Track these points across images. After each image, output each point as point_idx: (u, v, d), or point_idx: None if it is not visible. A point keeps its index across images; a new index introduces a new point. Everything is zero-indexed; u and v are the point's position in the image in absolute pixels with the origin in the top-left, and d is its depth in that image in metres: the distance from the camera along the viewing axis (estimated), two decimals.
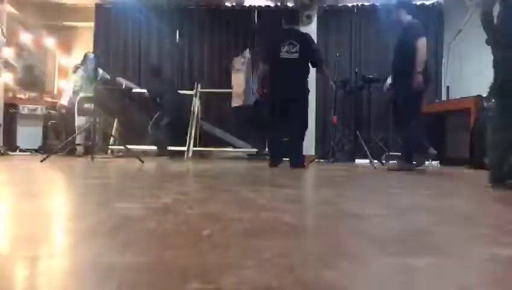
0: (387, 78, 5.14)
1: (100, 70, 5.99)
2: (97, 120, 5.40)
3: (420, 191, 2.35)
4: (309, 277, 0.63)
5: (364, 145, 5.21)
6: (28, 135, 6.90)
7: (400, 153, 4.63)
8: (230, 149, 6.85)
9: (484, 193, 2.16)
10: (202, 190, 2.04)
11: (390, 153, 6.09)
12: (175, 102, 6.10)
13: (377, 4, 7.48)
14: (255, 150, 6.49)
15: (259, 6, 7.85)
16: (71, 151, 5.84)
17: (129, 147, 5.27)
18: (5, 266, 0.68)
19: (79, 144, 5.78)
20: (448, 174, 4.14)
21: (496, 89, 2.35)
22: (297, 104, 4.25)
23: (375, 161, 5.41)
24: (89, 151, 5.30)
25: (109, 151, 6.67)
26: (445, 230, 1.10)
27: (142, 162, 4.31)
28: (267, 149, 5.07)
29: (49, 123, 6.91)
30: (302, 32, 4.56)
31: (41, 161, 4.05)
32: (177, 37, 7.86)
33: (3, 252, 0.79)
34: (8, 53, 7.13)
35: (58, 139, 6.79)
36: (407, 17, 4.25)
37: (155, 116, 5.92)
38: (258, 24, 7.53)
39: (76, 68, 6.61)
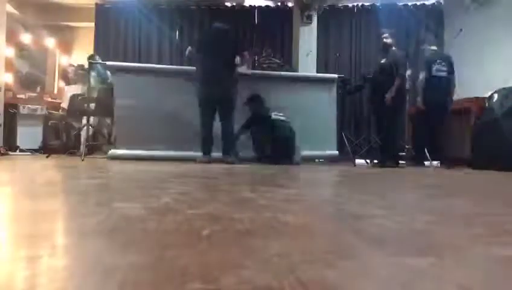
0: None
1: (108, 73, 5.98)
2: (95, 121, 5.40)
3: (420, 191, 2.35)
4: (309, 277, 0.63)
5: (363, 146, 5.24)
6: (28, 135, 6.91)
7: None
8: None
9: (484, 193, 2.16)
10: (202, 190, 2.04)
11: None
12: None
13: (377, 4, 7.49)
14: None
15: (259, 6, 7.86)
16: (73, 152, 5.86)
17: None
18: (5, 266, 0.68)
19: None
20: (449, 174, 4.14)
21: None
22: None
23: (375, 161, 5.41)
24: (89, 151, 5.32)
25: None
26: (445, 230, 1.10)
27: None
28: None
29: (49, 123, 6.92)
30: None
31: (47, 157, 4.49)
32: (177, 37, 7.87)
33: (3, 251, 0.79)
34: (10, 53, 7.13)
35: (58, 139, 6.80)
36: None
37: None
38: None
39: (82, 70, 6.60)
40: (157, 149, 4.99)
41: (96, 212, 1.26)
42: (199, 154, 4.72)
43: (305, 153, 5.18)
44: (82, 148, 5.31)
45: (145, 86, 5.10)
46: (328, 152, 5.55)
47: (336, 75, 5.84)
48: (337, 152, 5.58)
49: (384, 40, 5.19)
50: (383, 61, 5.18)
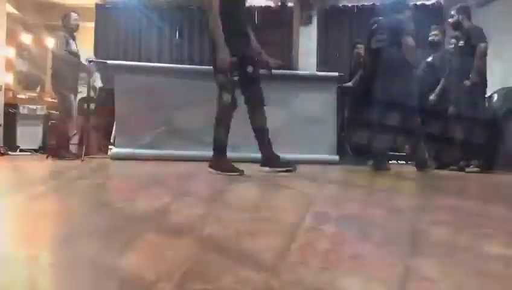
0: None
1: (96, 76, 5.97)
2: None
3: (420, 191, 2.35)
4: (309, 277, 0.63)
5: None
6: (28, 135, 6.90)
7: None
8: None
9: (484, 193, 2.16)
10: (202, 190, 2.04)
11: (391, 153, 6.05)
12: None
13: (377, 4, 7.48)
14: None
15: (259, 6, 7.85)
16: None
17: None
18: (4, 266, 0.68)
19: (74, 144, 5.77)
20: (448, 174, 4.14)
21: None
22: None
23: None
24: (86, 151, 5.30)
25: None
26: (445, 230, 1.10)
27: None
28: None
29: (49, 123, 6.92)
30: None
31: (47, 158, 4.74)
32: (177, 37, 7.87)
33: (3, 252, 0.79)
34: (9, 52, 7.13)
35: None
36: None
37: None
38: None
39: None
40: (157, 149, 4.98)
41: (96, 212, 1.26)
42: (199, 153, 4.70)
43: (305, 156, 5.06)
44: (82, 148, 5.31)
45: (145, 86, 5.09)
46: (328, 156, 5.30)
47: (336, 73, 5.77)
48: (337, 157, 5.34)
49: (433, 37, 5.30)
50: (429, 59, 5.12)
